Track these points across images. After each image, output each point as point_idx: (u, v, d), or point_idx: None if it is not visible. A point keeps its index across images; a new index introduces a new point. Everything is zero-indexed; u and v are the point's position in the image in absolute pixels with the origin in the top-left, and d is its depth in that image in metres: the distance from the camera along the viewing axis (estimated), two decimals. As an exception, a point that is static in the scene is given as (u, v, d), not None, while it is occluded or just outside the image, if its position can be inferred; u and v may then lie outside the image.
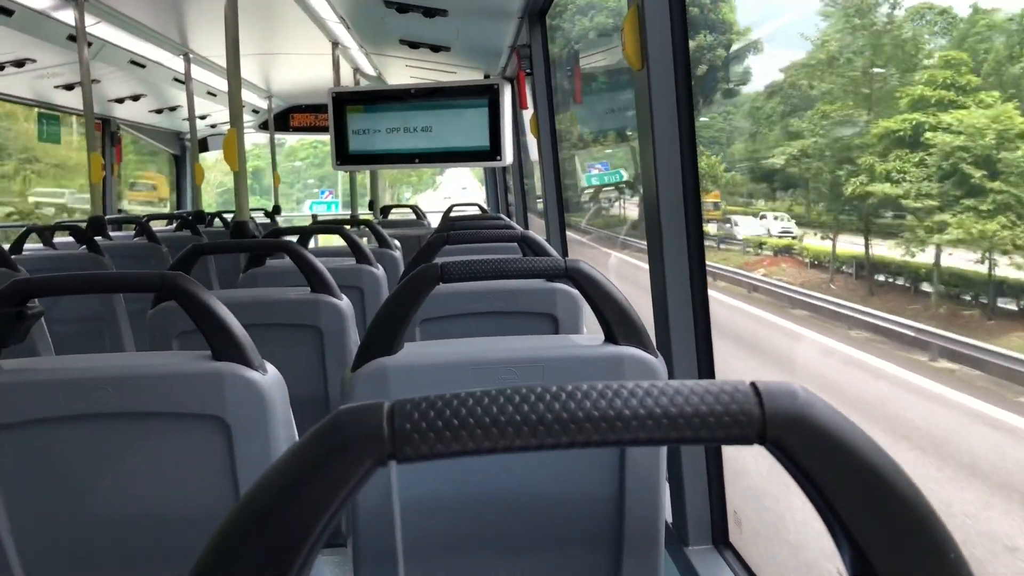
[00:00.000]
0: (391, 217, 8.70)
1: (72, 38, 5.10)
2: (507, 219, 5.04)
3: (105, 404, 1.48)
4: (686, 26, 2.09)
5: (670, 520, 2.33)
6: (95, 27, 5.38)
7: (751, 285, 7.30)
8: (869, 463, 0.53)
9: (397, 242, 4.43)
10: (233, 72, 3.67)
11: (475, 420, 0.52)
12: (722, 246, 8.39)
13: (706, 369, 2.20)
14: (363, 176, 8.81)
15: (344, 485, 0.52)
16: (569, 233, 5.44)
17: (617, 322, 1.56)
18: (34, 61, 5.94)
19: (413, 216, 8.38)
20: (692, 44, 2.12)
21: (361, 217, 6.52)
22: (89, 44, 5.27)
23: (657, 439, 0.54)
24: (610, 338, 1.57)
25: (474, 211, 8.09)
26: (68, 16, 4.94)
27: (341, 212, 13.87)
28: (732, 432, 0.53)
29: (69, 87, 6.72)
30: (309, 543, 0.52)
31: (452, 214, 6.01)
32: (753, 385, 0.54)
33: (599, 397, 0.54)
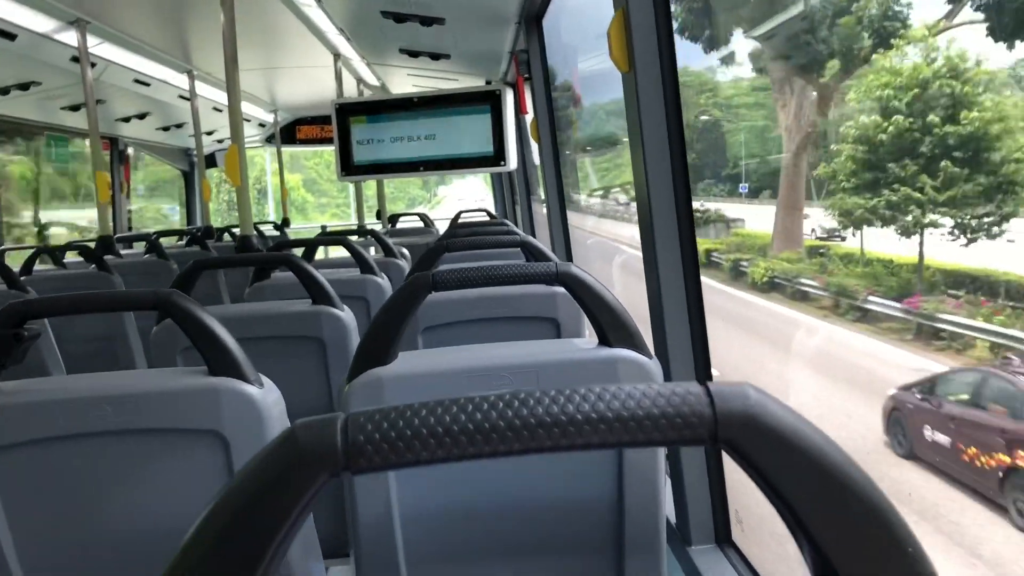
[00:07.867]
0: (400, 225, 8.73)
1: (76, 59, 5.15)
2: (511, 225, 5.04)
3: (104, 422, 1.50)
4: (671, 28, 2.09)
5: (673, 520, 2.33)
6: (98, 48, 5.43)
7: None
8: (823, 461, 0.53)
9: (406, 251, 4.44)
10: (233, 88, 3.70)
11: (428, 430, 0.53)
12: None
13: (702, 369, 2.20)
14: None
15: (299, 498, 0.53)
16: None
17: (610, 325, 1.57)
18: (39, 84, 6.01)
19: (422, 224, 8.42)
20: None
21: (368, 227, 6.55)
22: (93, 65, 5.32)
23: (610, 442, 0.54)
24: (604, 341, 1.57)
25: (483, 217, 8.11)
26: (71, 38, 5.00)
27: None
28: (684, 434, 0.54)
29: (75, 108, 6.79)
30: (268, 556, 0.53)
31: (460, 220, 6.03)
32: (705, 386, 0.55)
33: (551, 403, 0.54)
